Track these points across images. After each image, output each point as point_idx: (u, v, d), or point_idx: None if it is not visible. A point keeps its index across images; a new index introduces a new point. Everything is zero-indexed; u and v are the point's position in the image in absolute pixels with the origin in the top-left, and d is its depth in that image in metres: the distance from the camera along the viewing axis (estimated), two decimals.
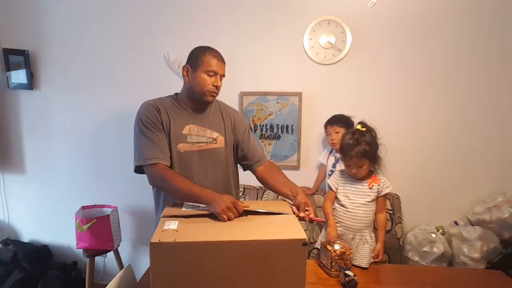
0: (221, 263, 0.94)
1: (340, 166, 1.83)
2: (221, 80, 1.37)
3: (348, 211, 1.53)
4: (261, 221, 1.09)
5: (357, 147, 1.47)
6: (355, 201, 1.53)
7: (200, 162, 1.39)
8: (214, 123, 1.44)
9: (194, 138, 1.38)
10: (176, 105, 1.40)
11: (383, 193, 1.54)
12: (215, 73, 1.33)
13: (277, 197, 2.15)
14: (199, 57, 1.33)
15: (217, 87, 1.35)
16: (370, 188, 1.52)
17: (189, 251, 0.93)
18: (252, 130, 1.61)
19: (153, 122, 1.31)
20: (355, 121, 1.87)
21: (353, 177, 1.55)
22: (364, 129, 1.51)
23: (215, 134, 1.42)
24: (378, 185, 1.52)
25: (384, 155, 1.56)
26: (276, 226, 1.05)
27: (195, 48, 1.39)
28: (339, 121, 1.97)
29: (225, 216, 1.07)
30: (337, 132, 1.94)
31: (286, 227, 1.03)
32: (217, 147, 1.42)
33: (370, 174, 1.55)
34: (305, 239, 0.94)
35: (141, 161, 1.27)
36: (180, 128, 1.36)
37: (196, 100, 1.38)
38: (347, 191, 1.55)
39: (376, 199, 1.55)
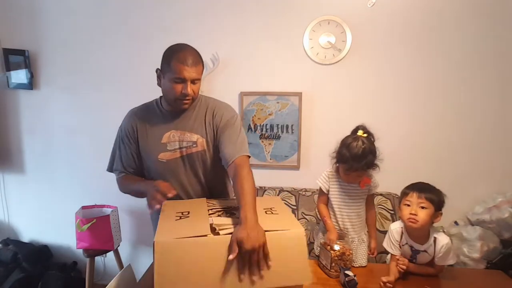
0: (224, 258, 0.95)
1: (422, 256, 1.43)
2: (195, 83, 1.26)
3: (342, 214, 1.52)
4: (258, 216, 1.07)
5: (364, 160, 1.37)
6: (349, 203, 1.51)
7: (186, 167, 1.36)
8: (195, 124, 1.36)
9: (174, 145, 1.34)
10: (159, 111, 1.38)
11: (372, 192, 1.53)
12: (183, 80, 1.23)
13: (278, 193, 2.16)
14: (166, 63, 1.25)
15: (187, 95, 1.25)
16: (363, 188, 1.50)
17: (193, 247, 0.93)
18: (238, 125, 1.38)
19: (127, 136, 1.39)
20: (354, 123, 1.53)
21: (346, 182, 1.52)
22: (365, 135, 1.44)
23: (195, 137, 1.34)
24: (369, 185, 1.51)
25: (380, 150, 1.54)
26: (274, 221, 1.07)
27: (167, 49, 1.29)
28: (430, 191, 1.33)
29: (153, 204, 1.13)
30: (423, 207, 1.30)
31: (284, 221, 1.06)
32: (198, 151, 1.35)
33: None
34: (303, 231, 1.00)
35: (110, 168, 1.46)
36: (158, 138, 1.34)
37: (172, 106, 1.34)
38: (340, 193, 1.52)
39: (366, 198, 1.55)
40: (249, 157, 1.30)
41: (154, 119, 1.37)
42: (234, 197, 1.32)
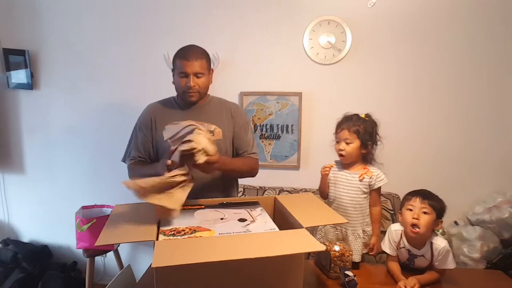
0: (225, 280, 0.94)
1: (420, 261, 1.38)
2: (198, 77, 1.38)
3: (337, 203, 1.51)
4: (256, 236, 1.04)
5: (351, 122, 1.48)
6: (343, 193, 1.51)
7: None
8: (212, 116, 1.47)
9: None
10: (176, 104, 1.50)
11: (376, 187, 1.50)
12: (186, 74, 1.37)
13: (278, 193, 2.15)
14: (174, 61, 1.42)
15: (191, 87, 1.37)
16: (361, 181, 1.49)
17: (195, 271, 0.92)
18: (252, 129, 1.60)
19: (144, 125, 1.49)
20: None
21: (340, 156, 1.51)
22: (367, 118, 1.51)
23: (212, 127, 1.43)
24: (370, 178, 1.49)
25: (381, 150, 1.54)
26: (276, 241, 1.00)
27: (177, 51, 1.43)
28: (432, 198, 1.34)
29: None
30: (425, 213, 1.30)
31: (286, 241, 0.99)
32: (214, 140, 1.43)
33: (361, 163, 1.52)
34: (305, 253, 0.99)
35: (125, 158, 1.56)
36: None
37: (182, 99, 1.47)
38: (336, 181, 1.53)
39: (370, 193, 1.52)
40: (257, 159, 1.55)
41: (171, 110, 1.49)
42: (233, 196, 1.58)
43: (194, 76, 1.37)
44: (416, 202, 1.32)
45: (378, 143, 1.53)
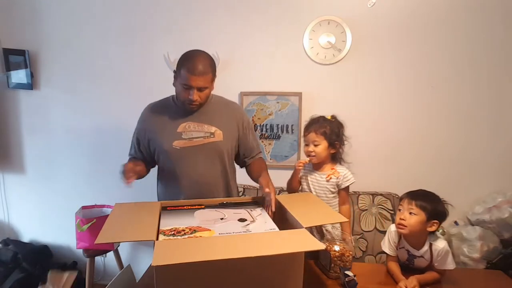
0: (225, 280, 0.94)
1: (419, 261, 1.37)
2: (202, 91, 1.36)
3: None
4: (256, 236, 1.05)
5: (318, 125, 1.51)
6: (311, 192, 1.54)
7: (203, 156, 1.44)
8: (213, 118, 1.47)
9: (190, 134, 1.43)
10: (174, 105, 1.48)
11: (343, 186, 1.52)
12: (190, 87, 1.33)
13: (278, 193, 2.15)
14: (178, 68, 1.36)
15: (193, 100, 1.35)
16: (328, 181, 1.52)
17: (195, 271, 0.92)
18: (252, 126, 1.65)
19: (139, 128, 1.52)
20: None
21: (309, 158, 1.54)
22: (333, 120, 1.54)
23: (213, 129, 1.46)
24: (337, 178, 1.51)
25: (349, 148, 1.58)
26: (276, 240, 1.00)
27: (182, 55, 1.38)
28: (423, 199, 1.29)
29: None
30: (412, 214, 1.28)
31: (286, 241, 0.99)
32: (214, 141, 1.45)
33: (329, 163, 1.55)
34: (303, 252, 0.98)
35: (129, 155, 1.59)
36: (174, 128, 1.44)
37: (182, 106, 1.44)
38: (305, 182, 1.57)
39: (338, 192, 1.55)
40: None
41: (170, 112, 1.47)
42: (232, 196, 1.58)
43: (198, 90, 1.35)
44: (404, 203, 1.33)
45: (345, 142, 1.56)
